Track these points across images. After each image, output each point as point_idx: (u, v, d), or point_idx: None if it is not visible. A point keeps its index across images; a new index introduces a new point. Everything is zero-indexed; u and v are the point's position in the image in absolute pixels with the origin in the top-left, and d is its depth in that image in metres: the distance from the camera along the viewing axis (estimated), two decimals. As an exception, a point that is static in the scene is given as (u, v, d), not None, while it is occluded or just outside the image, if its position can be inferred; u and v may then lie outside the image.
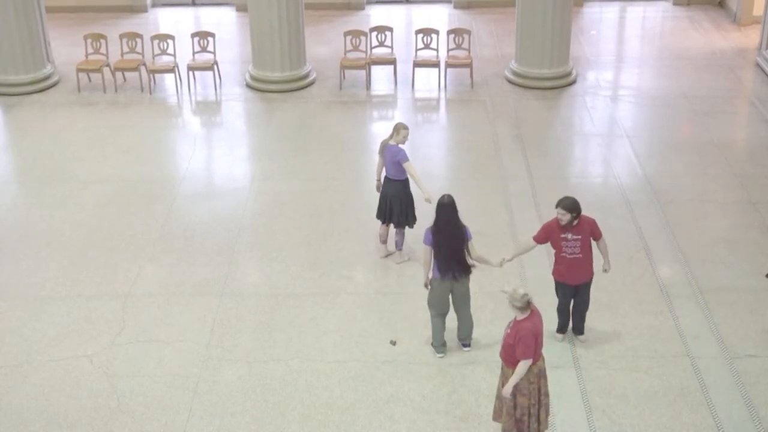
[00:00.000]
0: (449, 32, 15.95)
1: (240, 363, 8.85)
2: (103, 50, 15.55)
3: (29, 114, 14.52)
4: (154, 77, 15.44)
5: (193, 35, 15.80)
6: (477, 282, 9.66)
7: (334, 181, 12.29)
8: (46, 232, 11.16)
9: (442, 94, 15.19)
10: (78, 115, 14.50)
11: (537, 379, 7.37)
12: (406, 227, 10.31)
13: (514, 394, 7.36)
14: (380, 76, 15.76)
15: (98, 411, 8.26)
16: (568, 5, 14.88)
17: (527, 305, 7.22)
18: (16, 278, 10.26)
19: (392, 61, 15.56)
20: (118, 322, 9.47)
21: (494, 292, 9.46)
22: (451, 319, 8.88)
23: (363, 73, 15.47)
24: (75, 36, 16.85)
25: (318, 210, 11.55)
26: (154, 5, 19.74)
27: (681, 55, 16.68)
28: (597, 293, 9.23)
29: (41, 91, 15.25)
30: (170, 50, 15.57)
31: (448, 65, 15.39)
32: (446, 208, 8.44)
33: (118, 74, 15.58)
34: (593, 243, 8.61)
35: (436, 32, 15.78)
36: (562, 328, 9.02)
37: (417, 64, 15.47)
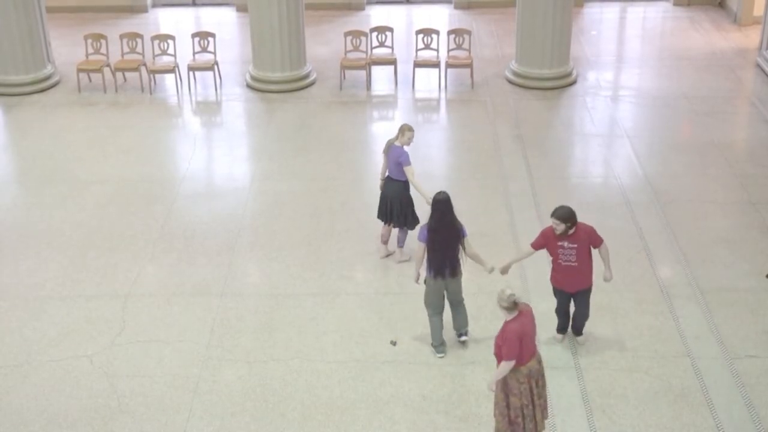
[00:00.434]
0: (449, 32, 15.96)
1: (240, 363, 8.85)
2: (103, 50, 15.56)
3: (29, 114, 14.52)
4: (154, 77, 15.44)
5: (194, 35, 15.80)
6: (477, 282, 9.69)
7: (334, 181, 12.29)
8: (46, 232, 11.16)
9: (443, 95, 15.19)
10: (78, 115, 14.50)
11: (527, 379, 7.31)
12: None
13: (506, 394, 7.35)
14: (380, 76, 15.76)
15: (98, 411, 8.26)
16: (569, 5, 14.88)
17: (514, 306, 7.17)
18: (16, 278, 10.26)
19: (392, 62, 15.56)
20: (118, 322, 9.47)
21: (494, 292, 9.41)
22: (446, 316, 8.90)
23: (363, 73, 15.47)
24: (75, 36, 16.86)
25: (318, 210, 11.55)
26: (154, 5, 19.75)
27: (681, 55, 16.69)
28: (597, 293, 9.22)
29: (41, 91, 15.25)
30: (170, 50, 15.57)
31: (448, 65, 15.39)
32: (442, 205, 8.43)
33: (119, 74, 15.59)
34: (595, 250, 8.53)
35: (437, 32, 15.78)
36: (561, 329, 9.02)
37: (417, 65, 15.47)
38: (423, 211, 10.07)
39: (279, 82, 15.13)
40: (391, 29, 15.96)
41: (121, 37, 15.63)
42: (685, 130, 13.81)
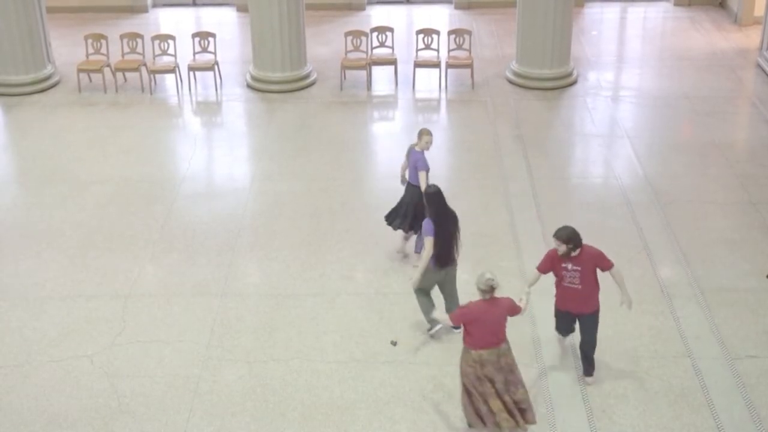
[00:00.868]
0: (450, 33, 15.95)
1: (240, 363, 8.85)
2: (103, 50, 15.56)
3: (30, 114, 14.52)
4: (154, 77, 15.44)
5: (194, 35, 15.80)
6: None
7: (335, 181, 12.28)
8: (46, 232, 11.16)
9: (443, 95, 15.18)
10: (78, 115, 14.50)
11: (475, 365, 7.53)
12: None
13: (462, 372, 7.66)
14: (381, 76, 15.75)
15: (98, 411, 8.26)
16: (569, 6, 14.88)
17: (490, 289, 7.40)
18: (16, 278, 10.26)
19: (393, 62, 15.55)
20: (119, 322, 9.47)
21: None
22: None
23: (364, 73, 15.47)
24: (75, 36, 16.85)
25: (318, 210, 11.55)
26: (154, 5, 19.74)
27: (682, 55, 16.68)
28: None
29: (42, 91, 15.25)
30: (171, 50, 15.57)
31: (448, 66, 15.39)
32: (435, 197, 8.71)
33: (119, 74, 15.59)
34: (607, 273, 8.15)
35: (437, 33, 15.78)
36: (564, 333, 8.92)
37: (418, 65, 15.47)
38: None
39: (279, 82, 15.13)
40: (391, 29, 15.96)
41: (122, 37, 15.63)
42: (686, 131, 13.81)
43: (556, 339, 9.00)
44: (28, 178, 12.57)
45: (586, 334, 8.40)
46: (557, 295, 8.42)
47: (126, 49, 15.55)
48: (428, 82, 15.50)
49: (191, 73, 15.38)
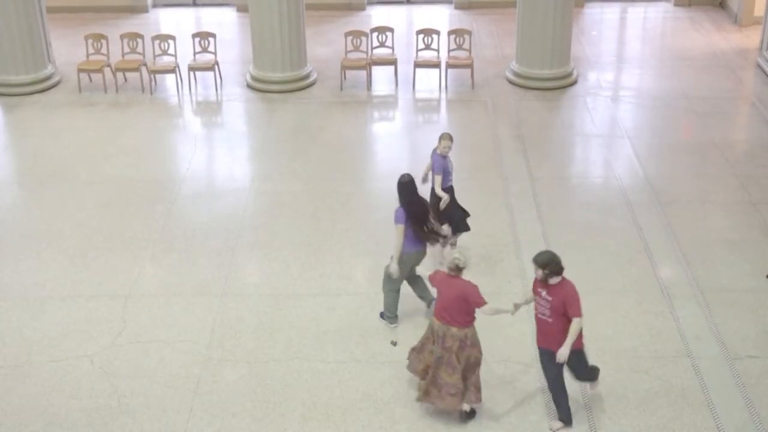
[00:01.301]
0: (450, 33, 15.95)
1: (240, 363, 8.85)
2: (104, 50, 15.56)
3: (30, 114, 14.52)
4: (154, 77, 15.44)
5: (194, 36, 15.80)
6: (477, 283, 9.65)
7: (335, 181, 12.28)
8: (46, 232, 11.16)
9: (443, 95, 15.18)
10: (78, 115, 14.50)
11: (431, 333, 7.95)
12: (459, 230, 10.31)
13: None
14: (381, 76, 15.75)
15: (98, 411, 8.26)
16: (569, 6, 14.88)
17: (456, 269, 7.74)
18: (16, 278, 10.26)
19: (393, 62, 15.55)
20: (119, 323, 9.47)
21: (492, 293, 9.43)
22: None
23: (364, 73, 15.47)
24: (76, 36, 16.85)
25: (318, 210, 11.55)
26: (154, 5, 19.74)
27: (682, 55, 16.68)
28: (597, 293, 9.24)
29: (42, 91, 15.25)
30: (171, 51, 15.57)
31: (448, 66, 15.39)
32: (407, 186, 8.97)
33: (119, 74, 15.58)
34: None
35: (437, 33, 15.78)
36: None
37: (418, 65, 15.47)
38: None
39: (279, 82, 15.13)
40: (391, 29, 15.96)
41: (122, 37, 15.63)
42: (686, 131, 13.81)
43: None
44: (28, 178, 12.57)
45: (546, 369, 7.81)
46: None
47: (126, 49, 15.55)
48: (428, 83, 15.50)
49: (191, 73, 15.38)
